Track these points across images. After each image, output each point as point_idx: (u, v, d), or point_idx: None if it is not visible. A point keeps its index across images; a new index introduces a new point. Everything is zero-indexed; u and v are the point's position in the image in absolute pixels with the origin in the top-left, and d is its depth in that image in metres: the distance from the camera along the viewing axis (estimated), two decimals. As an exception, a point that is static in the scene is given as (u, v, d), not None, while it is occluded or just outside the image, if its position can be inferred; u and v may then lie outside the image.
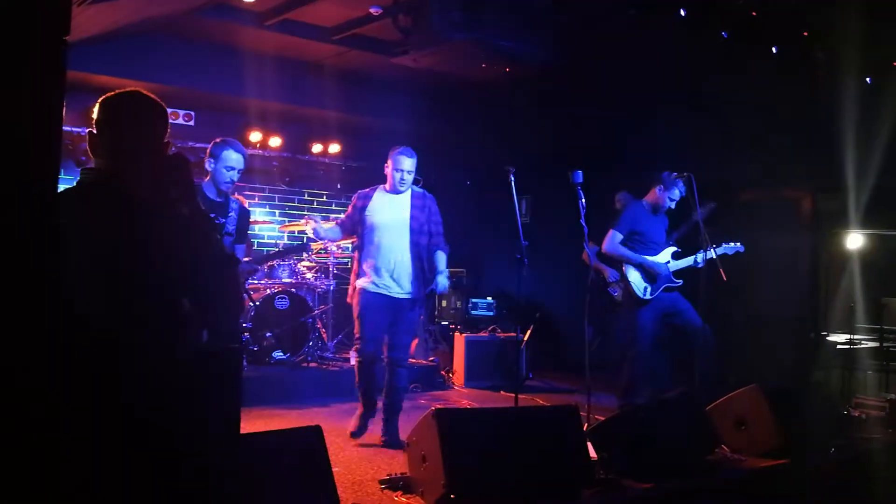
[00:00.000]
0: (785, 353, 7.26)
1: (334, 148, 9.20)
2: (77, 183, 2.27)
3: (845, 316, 6.84)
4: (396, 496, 3.77)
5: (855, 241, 6.87)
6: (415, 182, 5.18)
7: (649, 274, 5.97)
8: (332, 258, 7.77)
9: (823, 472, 4.59)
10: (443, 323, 8.72)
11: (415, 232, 5.07)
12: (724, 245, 6.10)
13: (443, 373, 7.75)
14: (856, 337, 6.51)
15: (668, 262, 6.06)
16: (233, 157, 4.66)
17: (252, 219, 5.22)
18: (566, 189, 5.12)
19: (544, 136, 8.74)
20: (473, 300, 8.86)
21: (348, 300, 5.24)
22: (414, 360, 6.60)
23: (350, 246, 5.46)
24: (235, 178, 4.71)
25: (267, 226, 8.78)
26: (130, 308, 2.14)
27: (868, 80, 6.73)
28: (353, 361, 7.23)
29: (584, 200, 5.04)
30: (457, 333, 8.03)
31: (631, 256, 5.99)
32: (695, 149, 7.15)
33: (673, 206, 6.10)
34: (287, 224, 8.49)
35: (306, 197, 9.42)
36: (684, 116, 7.46)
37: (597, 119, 8.27)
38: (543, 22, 6.38)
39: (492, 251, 9.38)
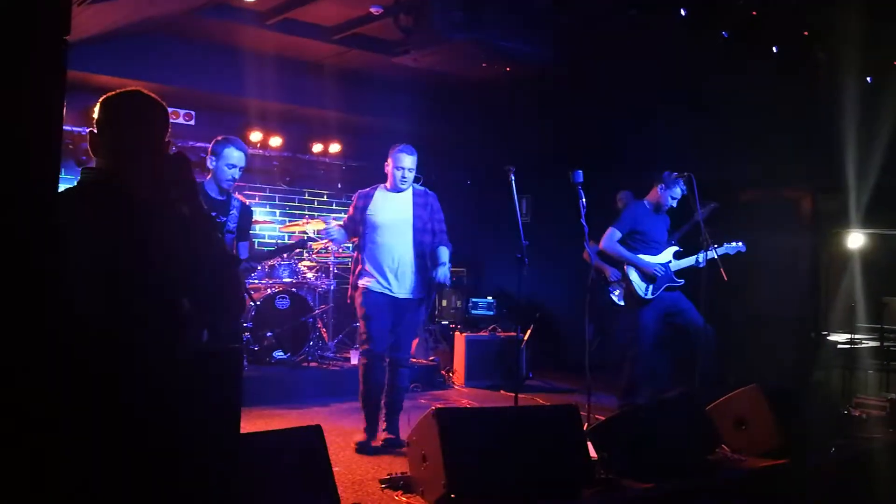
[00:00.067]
0: (785, 353, 7.26)
1: (335, 147, 9.21)
2: (78, 182, 2.27)
3: (846, 315, 6.84)
4: (397, 496, 3.77)
5: (855, 240, 6.87)
6: (415, 180, 5.14)
7: (645, 274, 5.97)
8: (332, 258, 7.77)
9: (823, 472, 4.59)
10: (443, 322, 8.72)
11: (418, 231, 5.02)
12: (725, 245, 6.10)
13: (443, 372, 7.76)
14: (856, 336, 6.51)
15: (670, 261, 6.06)
16: (234, 155, 4.66)
17: (253, 218, 5.22)
18: (566, 189, 5.11)
19: (544, 136, 8.74)
20: (474, 300, 8.87)
21: (348, 300, 5.20)
22: (414, 360, 6.60)
23: (350, 245, 5.43)
24: (237, 176, 4.71)
25: (267, 225, 8.78)
26: (130, 308, 2.15)
27: (868, 79, 6.73)
28: (354, 361, 7.28)
29: (584, 200, 5.04)
30: (457, 333, 8.03)
31: (626, 255, 5.99)
32: (695, 149, 7.15)
33: (674, 204, 6.10)
34: (288, 224, 8.49)
35: (307, 196, 9.42)
36: (684, 116, 7.46)
37: (597, 119, 8.27)
38: (544, 22, 6.38)
39: (492, 251, 9.38)
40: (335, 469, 3.26)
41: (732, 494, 4.28)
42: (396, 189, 5.07)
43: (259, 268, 7.26)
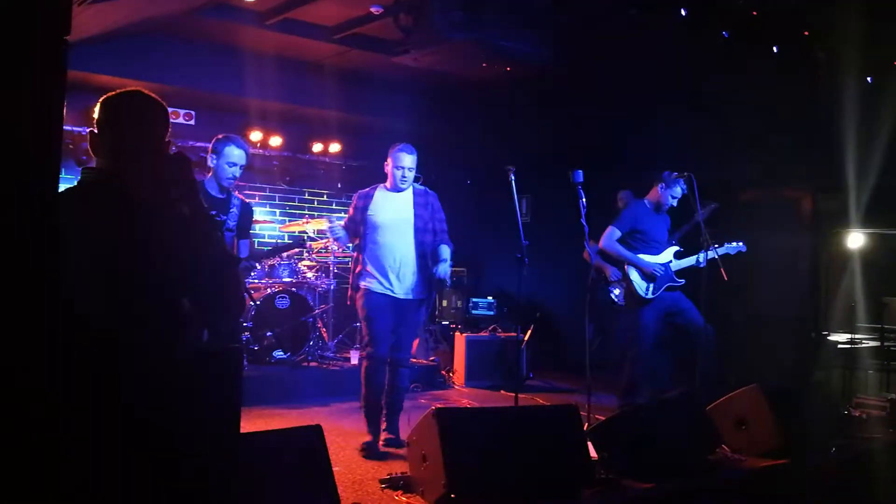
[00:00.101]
0: (785, 353, 7.26)
1: (335, 147, 9.21)
2: (78, 182, 2.27)
3: (846, 315, 6.84)
4: (397, 495, 3.77)
5: (856, 240, 6.87)
6: (415, 180, 5.10)
7: (645, 273, 5.97)
8: (332, 257, 7.77)
9: (823, 472, 4.59)
10: (443, 322, 8.72)
11: (419, 230, 4.98)
12: (726, 245, 6.10)
13: (443, 372, 7.76)
14: (856, 336, 6.51)
15: (671, 261, 6.06)
16: (235, 153, 4.66)
17: (254, 217, 5.22)
18: (566, 188, 5.11)
19: (544, 136, 8.74)
20: (474, 300, 8.87)
21: (348, 302, 5.16)
22: (414, 360, 6.60)
23: (351, 245, 5.41)
24: (238, 175, 4.71)
25: (268, 225, 8.78)
26: (131, 308, 2.15)
27: (868, 79, 6.73)
28: (354, 361, 7.28)
29: (584, 200, 5.04)
30: (457, 333, 8.03)
31: (625, 255, 6.00)
32: (695, 149, 7.16)
33: (675, 203, 6.10)
34: (288, 223, 8.50)
35: (307, 196, 9.42)
36: (684, 116, 7.46)
37: (597, 119, 8.27)
38: (544, 22, 6.38)
39: (492, 251, 9.39)
40: (335, 469, 3.26)
41: (732, 494, 4.28)
42: (396, 189, 5.02)
43: (259, 267, 7.26)
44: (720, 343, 5.91)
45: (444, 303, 8.83)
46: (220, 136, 4.73)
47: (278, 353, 7.03)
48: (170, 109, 2.42)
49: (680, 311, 5.99)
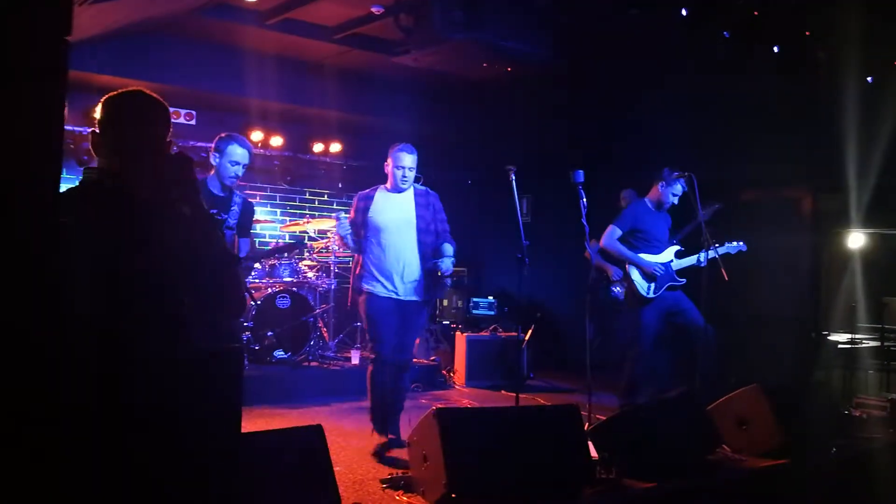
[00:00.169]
0: (785, 353, 7.26)
1: (335, 147, 9.21)
2: (79, 182, 2.27)
3: (846, 315, 6.84)
4: (397, 495, 3.77)
5: (856, 240, 6.87)
6: (415, 180, 5.05)
7: (645, 273, 5.97)
8: (333, 257, 7.77)
9: (824, 472, 4.59)
10: (444, 322, 8.72)
11: (421, 231, 4.94)
12: (726, 244, 6.10)
13: (444, 372, 7.76)
14: (857, 336, 6.51)
15: (672, 260, 6.06)
16: (238, 152, 4.65)
17: (255, 216, 5.20)
18: (567, 188, 5.11)
19: (544, 136, 8.75)
20: (474, 300, 8.87)
21: (349, 305, 5.11)
22: (415, 360, 6.59)
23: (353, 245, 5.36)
24: (240, 174, 4.70)
25: (268, 225, 8.79)
26: (131, 307, 2.15)
27: (869, 79, 6.73)
28: (354, 361, 7.29)
29: (585, 200, 5.03)
30: (458, 333, 8.03)
31: (626, 254, 6.00)
32: (695, 149, 7.15)
33: (676, 201, 6.10)
34: (289, 223, 8.50)
35: (308, 196, 9.43)
36: (684, 116, 7.46)
37: (597, 119, 8.27)
38: (544, 22, 6.39)
39: (493, 251, 9.39)
40: (336, 468, 3.26)
41: (733, 494, 4.28)
42: (397, 189, 4.97)
43: (259, 266, 7.26)
44: (720, 343, 5.91)
45: (445, 303, 8.84)
46: (223, 135, 4.73)
47: (279, 353, 7.03)
48: (171, 109, 2.42)
49: (681, 310, 5.99)
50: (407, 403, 5.14)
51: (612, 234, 6.01)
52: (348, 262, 7.20)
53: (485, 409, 5.44)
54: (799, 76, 6.64)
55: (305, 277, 7.59)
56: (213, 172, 4.70)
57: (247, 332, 6.80)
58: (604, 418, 4.33)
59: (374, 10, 6.52)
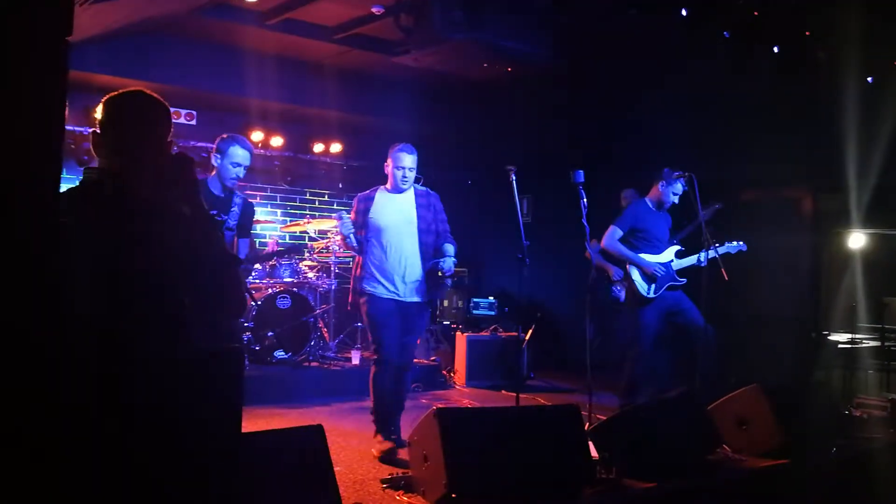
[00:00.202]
0: (786, 353, 7.26)
1: (336, 147, 9.21)
2: (80, 182, 2.27)
3: (846, 315, 6.84)
4: (398, 495, 3.77)
5: (856, 240, 6.87)
6: (415, 181, 5.02)
7: (646, 273, 5.97)
8: (333, 257, 7.77)
9: (824, 472, 4.59)
10: (444, 322, 8.72)
11: (422, 232, 4.92)
12: (727, 244, 6.10)
13: (444, 372, 7.76)
14: (857, 336, 6.51)
15: (672, 260, 6.06)
16: (239, 154, 4.65)
17: (255, 217, 5.19)
18: (567, 188, 5.11)
19: (545, 136, 8.75)
20: (475, 300, 8.87)
21: (349, 306, 5.09)
22: (416, 360, 6.60)
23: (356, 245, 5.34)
24: (241, 175, 4.69)
25: (269, 225, 8.79)
26: (131, 307, 2.15)
27: (869, 79, 6.73)
28: (355, 361, 7.29)
29: (585, 200, 5.03)
30: (458, 333, 8.03)
31: (626, 254, 6.00)
32: (695, 149, 7.15)
33: (676, 201, 6.10)
34: (289, 224, 8.50)
35: (308, 196, 9.43)
36: (684, 116, 7.46)
37: (597, 119, 8.27)
38: (544, 22, 6.39)
39: (493, 251, 9.39)
40: (336, 469, 3.26)
41: (733, 494, 4.28)
42: (397, 189, 4.95)
43: (259, 267, 7.26)
44: (720, 343, 5.91)
45: (445, 303, 8.84)
46: (224, 136, 4.72)
47: (279, 353, 7.03)
48: (171, 109, 2.42)
49: (681, 310, 5.99)
50: (407, 403, 5.14)
51: (612, 235, 6.01)
52: (348, 263, 7.20)
53: (485, 409, 5.44)
54: (799, 76, 6.64)
55: (306, 278, 7.59)
56: (213, 173, 4.70)
57: (247, 333, 6.80)
58: (604, 418, 4.33)
59: (374, 10, 6.52)
